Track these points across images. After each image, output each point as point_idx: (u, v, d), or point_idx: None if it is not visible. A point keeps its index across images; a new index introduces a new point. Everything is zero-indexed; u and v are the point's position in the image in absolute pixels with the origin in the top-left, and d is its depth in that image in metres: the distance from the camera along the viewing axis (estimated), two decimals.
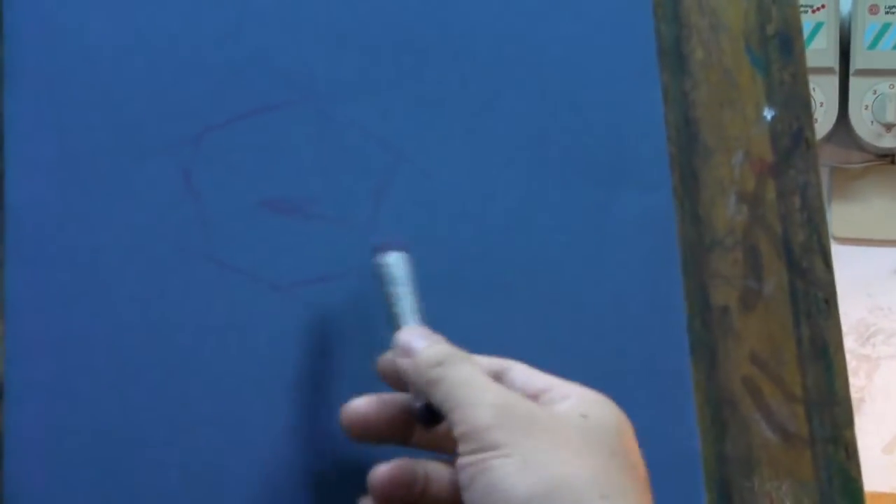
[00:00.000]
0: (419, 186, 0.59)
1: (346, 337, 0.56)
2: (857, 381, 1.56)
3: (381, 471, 0.50)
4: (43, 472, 0.51)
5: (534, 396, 0.51)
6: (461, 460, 0.47)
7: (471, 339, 0.57)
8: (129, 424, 0.53)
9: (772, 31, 0.68)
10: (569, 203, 0.61)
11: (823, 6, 1.53)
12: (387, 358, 0.53)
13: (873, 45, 1.54)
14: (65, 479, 0.51)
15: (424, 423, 0.52)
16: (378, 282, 0.54)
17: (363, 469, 0.54)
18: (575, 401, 0.50)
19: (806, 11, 1.51)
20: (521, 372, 0.52)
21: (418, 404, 0.52)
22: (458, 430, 0.48)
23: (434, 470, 0.51)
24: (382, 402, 0.52)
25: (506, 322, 0.58)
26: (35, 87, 0.55)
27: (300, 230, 0.57)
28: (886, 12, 1.53)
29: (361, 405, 0.52)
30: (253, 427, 0.54)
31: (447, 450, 0.51)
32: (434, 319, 0.53)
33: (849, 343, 1.54)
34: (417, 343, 0.52)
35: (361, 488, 0.54)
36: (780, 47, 0.68)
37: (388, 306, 0.54)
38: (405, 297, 0.54)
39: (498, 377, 0.52)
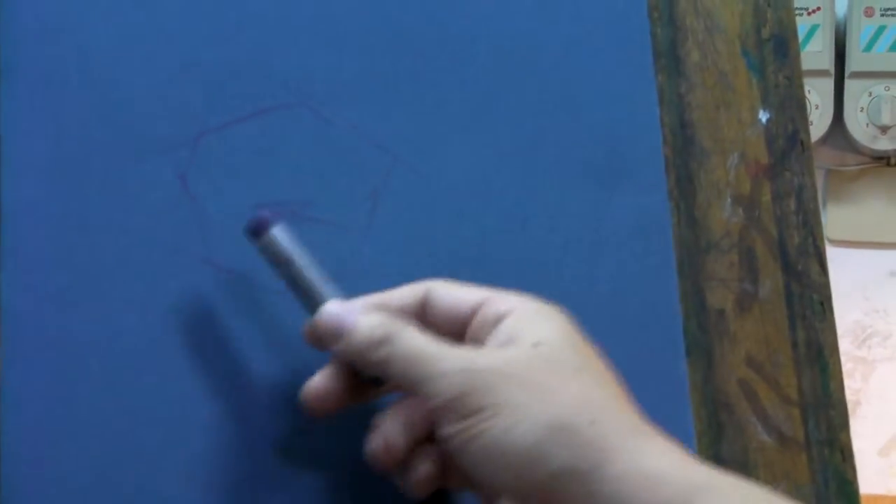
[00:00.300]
0: (416, 189, 0.59)
1: None
2: (853, 384, 1.56)
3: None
4: (40, 475, 0.51)
5: (479, 327, 0.50)
6: (444, 431, 0.47)
7: None
8: (126, 427, 0.53)
9: (767, 34, 0.68)
10: (565, 205, 0.61)
11: (819, 8, 1.53)
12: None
13: (868, 48, 1.54)
14: (61, 482, 0.51)
15: (377, 385, 0.52)
16: (270, 263, 0.52)
17: (362, 471, 0.54)
18: (519, 327, 0.49)
19: (801, 14, 1.51)
20: (445, 296, 0.52)
21: (367, 376, 0.51)
22: (430, 405, 0.47)
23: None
24: (334, 373, 0.52)
25: None
26: (31, 88, 0.55)
27: (296, 233, 0.57)
28: (882, 14, 1.53)
29: (314, 383, 0.51)
30: (251, 430, 0.54)
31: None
32: None
33: (844, 345, 1.55)
34: (345, 322, 0.50)
35: (361, 491, 0.54)
36: (775, 50, 0.68)
37: (292, 287, 0.52)
38: (308, 271, 0.52)
39: (424, 309, 0.51)
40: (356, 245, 0.57)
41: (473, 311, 0.51)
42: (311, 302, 0.52)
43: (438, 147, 0.60)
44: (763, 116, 0.67)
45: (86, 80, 0.55)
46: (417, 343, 0.49)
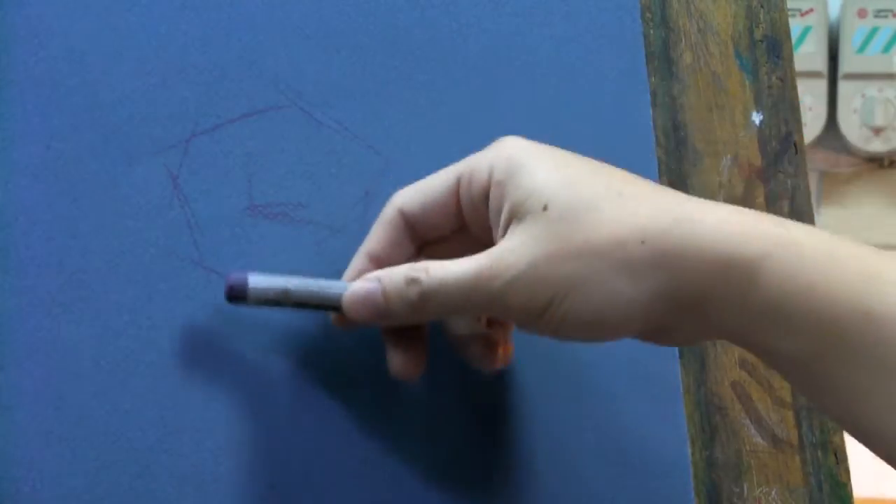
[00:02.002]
0: None
1: (335, 342, 0.56)
2: None
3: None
4: (31, 479, 0.51)
5: (470, 207, 0.50)
6: (530, 330, 0.49)
7: None
8: (118, 431, 0.52)
9: (760, 35, 0.68)
10: None
11: (812, 10, 1.53)
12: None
13: (862, 49, 1.54)
14: (54, 485, 0.51)
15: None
16: (274, 306, 0.52)
17: (352, 476, 0.54)
18: (513, 195, 0.48)
19: (794, 15, 1.52)
20: (418, 204, 0.51)
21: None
22: (512, 317, 0.49)
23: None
24: (399, 346, 0.53)
25: None
26: (22, 89, 0.55)
27: (288, 235, 0.56)
28: (875, 16, 1.54)
29: (396, 362, 0.52)
30: (241, 432, 0.54)
31: None
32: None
33: None
34: (373, 293, 0.50)
35: (352, 494, 0.54)
36: (768, 51, 0.68)
37: (304, 308, 0.52)
38: (307, 286, 0.52)
39: (409, 230, 0.52)
40: (348, 247, 0.57)
41: (455, 196, 0.51)
42: (329, 305, 0.52)
43: (430, 148, 0.60)
44: (756, 118, 0.67)
45: (77, 81, 0.55)
46: (438, 268, 0.49)
